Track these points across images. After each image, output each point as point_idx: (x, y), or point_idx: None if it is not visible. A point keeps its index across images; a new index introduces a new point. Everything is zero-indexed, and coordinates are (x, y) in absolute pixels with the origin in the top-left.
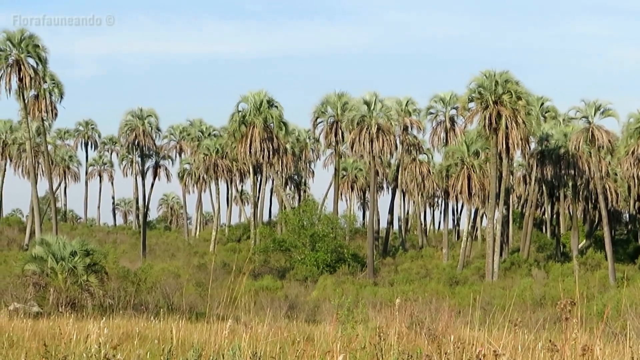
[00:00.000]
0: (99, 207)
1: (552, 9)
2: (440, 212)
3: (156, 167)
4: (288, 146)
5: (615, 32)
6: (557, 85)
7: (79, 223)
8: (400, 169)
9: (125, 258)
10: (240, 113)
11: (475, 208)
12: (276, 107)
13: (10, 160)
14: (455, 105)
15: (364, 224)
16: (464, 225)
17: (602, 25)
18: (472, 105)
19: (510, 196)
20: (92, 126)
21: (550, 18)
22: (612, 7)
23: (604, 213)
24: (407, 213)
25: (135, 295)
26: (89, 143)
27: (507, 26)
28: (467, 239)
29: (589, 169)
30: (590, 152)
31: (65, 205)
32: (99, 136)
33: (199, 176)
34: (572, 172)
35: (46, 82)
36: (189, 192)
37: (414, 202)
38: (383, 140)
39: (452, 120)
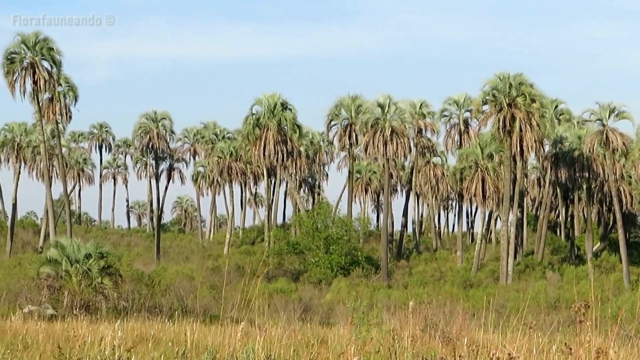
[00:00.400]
0: (113, 210)
1: (563, 11)
2: (455, 215)
3: (170, 169)
4: (302, 149)
5: (626, 34)
6: (568, 87)
7: (93, 226)
8: (414, 171)
9: (140, 261)
10: (254, 116)
11: (489, 211)
12: (290, 109)
13: (25, 163)
14: (469, 108)
15: (378, 226)
16: (478, 227)
17: (613, 27)
18: (486, 107)
19: (525, 199)
20: (106, 129)
21: (561, 20)
22: (623, 10)
23: (618, 216)
24: (421, 216)
25: (149, 298)
26: (103, 146)
27: (520, 28)
28: (481, 241)
29: (604, 171)
30: (604, 155)
31: (79, 207)
32: (113, 139)
33: (213, 179)
34: (587, 174)
35: (60, 85)
36: (203, 195)
37: (428, 205)
38: (397, 142)
39: (466, 123)
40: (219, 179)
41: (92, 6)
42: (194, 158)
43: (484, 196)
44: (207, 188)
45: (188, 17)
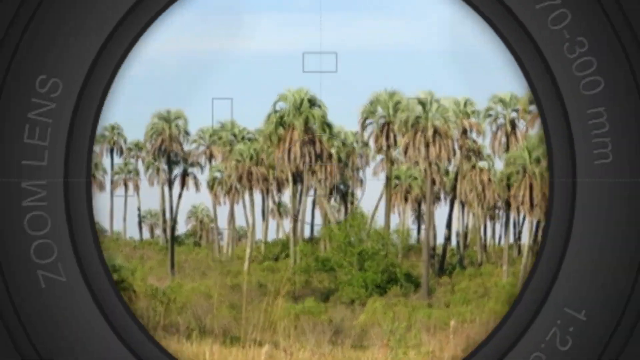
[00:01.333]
0: (124, 219)
1: None
2: (501, 225)
3: (184, 175)
4: (333, 151)
5: None
6: None
7: (104, 237)
8: (458, 177)
9: (153, 275)
10: (277, 113)
11: (537, 220)
12: (319, 106)
13: None
14: (515, 107)
15: (418, 239)
16: (525, 239)
17: None
18: (533, 107)
19: None
20: (118, 131)
21: None
22: None
23: None
24: (466, 227)
25: (165, 316)
26: (114, 149)
27: None
28: (528, 254)
29: None
30: None
31: None
32: (125, 142)
33: (231, 185)
34: None
35: None
36: (220, 204)
37: (473, 215)
38: (440, 144)
39: (512, 124)
40: (238, 185)
41: None
42: (210, 162)
43: (531, 204)
44: (224, 196)
45: (211, 12)
